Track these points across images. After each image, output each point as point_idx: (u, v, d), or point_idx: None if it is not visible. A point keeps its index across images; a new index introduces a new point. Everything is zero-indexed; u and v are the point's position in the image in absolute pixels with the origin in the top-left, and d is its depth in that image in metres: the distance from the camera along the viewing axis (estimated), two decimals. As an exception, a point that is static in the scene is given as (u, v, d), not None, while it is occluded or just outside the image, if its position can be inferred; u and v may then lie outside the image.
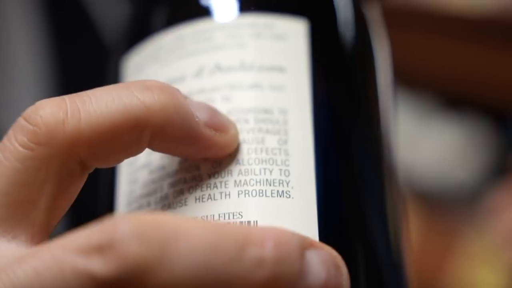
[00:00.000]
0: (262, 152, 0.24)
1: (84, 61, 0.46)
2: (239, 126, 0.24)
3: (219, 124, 0.24)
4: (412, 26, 1.01)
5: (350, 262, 0.21)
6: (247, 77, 0.25)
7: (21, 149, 0.21)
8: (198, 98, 0.25)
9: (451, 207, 1.01)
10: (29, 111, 0.22)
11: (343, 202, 0.25)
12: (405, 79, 0.99)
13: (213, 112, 0.24)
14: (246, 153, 0.24)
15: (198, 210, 0.23)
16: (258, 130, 0.24)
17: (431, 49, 1.04)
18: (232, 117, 0.24)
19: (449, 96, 1.07)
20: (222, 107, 0.25)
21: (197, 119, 0.23)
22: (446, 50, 1.02)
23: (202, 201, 0.23)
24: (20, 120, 0.22)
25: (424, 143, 1.06)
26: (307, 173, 0.24)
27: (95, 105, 0.22)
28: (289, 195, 0.23)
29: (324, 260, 0.20)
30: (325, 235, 0.23)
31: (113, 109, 0.22)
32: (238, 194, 0.23)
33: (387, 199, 0.26)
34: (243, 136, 0.24)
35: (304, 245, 0.20)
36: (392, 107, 0.29)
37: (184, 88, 0.25)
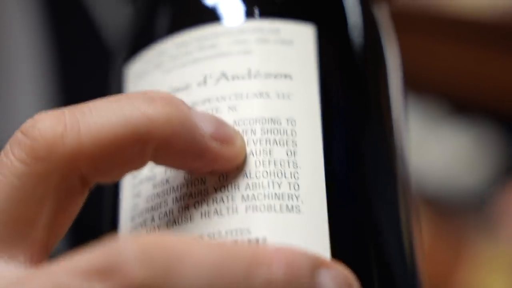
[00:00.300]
0: (270, 165, 0.23)
1: (87, 67, 0.46)
2: (245, 137, 0.23)
3: (225, 135, 0.23)
4: (420, 30, 1.00)
5: (364, 281, 0.21)
6: (253, 85, 0.24)
7: (18, 164, 0.20)
8: (203, 107, 0.24)
9: (459, 212, 1.00)
10: (27, 124, 0.21)
11: (356, 216, 0.24)
12: (413, 84, 0.99)
13: (219, 123, 0.23)
14: (254, 165, 0.23)
15: (204, 226, 0.22)
16: (265, 141, 0.23)
17: (438, 54, 1.03)
18: (239, 128, 0.24)
19: (457, 101, 1.07)
20: (228, 118, 0.24)
21: (202, 132, 0.22)
22: (454, 55, 1.02)
23: (208, 217, 0.23)
24: (18, 134, 0.21)
25: (431, 148, 1.05)
26: (317, 187, 0.23)
27: (95, 117, 0.21)
28: (299, 210, 0.22)
29: (336, 280, 0.19)
30: (337, 252, 0.22)
31: (114, 121, 0.21)
32: (246, 209, 0.22)
33: (402, 213, 0.25)
34: (250, 147, 0.23)
35: (316, 264, 0.19)
36: (403, 113, 0.28)
37: (189, 97, 0.24)
